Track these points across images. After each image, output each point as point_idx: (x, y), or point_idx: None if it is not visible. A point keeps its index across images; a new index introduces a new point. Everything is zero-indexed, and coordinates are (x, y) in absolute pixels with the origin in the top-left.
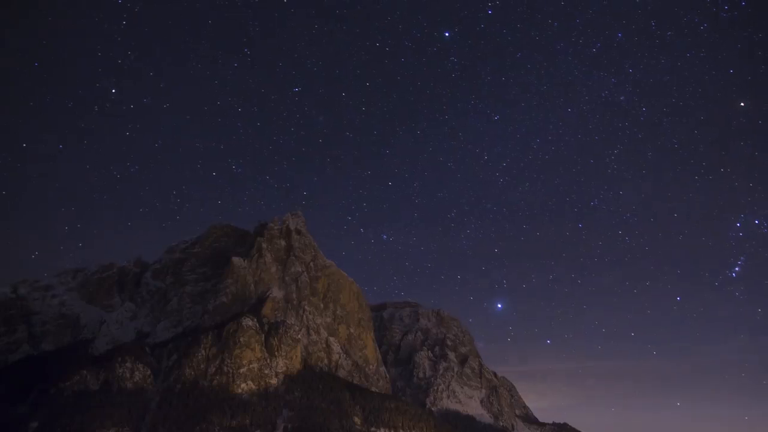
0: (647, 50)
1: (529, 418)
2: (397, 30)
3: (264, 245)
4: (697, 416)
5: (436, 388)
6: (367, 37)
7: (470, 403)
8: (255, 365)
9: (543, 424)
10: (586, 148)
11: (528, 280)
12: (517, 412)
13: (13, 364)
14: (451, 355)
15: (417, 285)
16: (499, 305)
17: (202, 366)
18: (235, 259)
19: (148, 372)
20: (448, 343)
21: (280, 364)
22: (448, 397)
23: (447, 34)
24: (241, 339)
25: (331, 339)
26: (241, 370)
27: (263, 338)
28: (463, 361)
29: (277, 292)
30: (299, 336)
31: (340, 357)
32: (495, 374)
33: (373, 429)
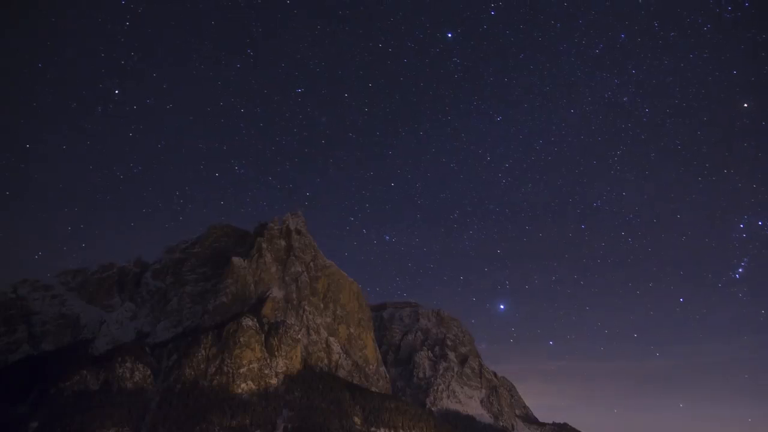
0: (650, 51)
1: (529, 418)
2: (400, 31)
3: (264, 245)
4: (700, 417)
5: (436, 388)
6: (369, 38)
7: (470, 403)
8: (255, 365)
9: (543, 424)
10: (588, 149)
11: (530, 281)
12: (517, 412)
13: (13, 364)
14: (451, 355)
15: (419, 286)
16: (502, 306)
17: (202, 366)
18: (235, 259)
19: (148, 372)
20: (448, 343)
21: (280, 364)
22: (448, 397)
23: (450, 35)
24: (241, 339)
25: (331, 339)
26: (241, 370)
27: (263, 338)
28: (463, 361)
29: (277, 292)
30: (299, 336)
31: (340, 357)
32: (495, 374)
33: (373, 429)
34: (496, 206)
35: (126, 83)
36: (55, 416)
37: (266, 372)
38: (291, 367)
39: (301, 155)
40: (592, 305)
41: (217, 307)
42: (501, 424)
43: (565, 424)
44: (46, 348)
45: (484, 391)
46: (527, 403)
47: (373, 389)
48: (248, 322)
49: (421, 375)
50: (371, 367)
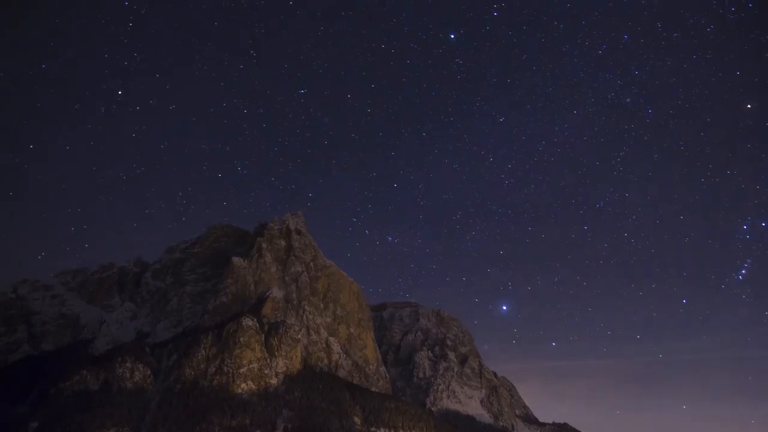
0: (653, 52)
1: (529, 418)
2: (403, 32)
3: (264, 245)
4: (702, 418)
5: (436, 388)
6: (372, 38)
7: (470, 403)
8: (255, 365)
9: (543, 424)
10: (591, 150)
11: (533, 282)
12: (517, 412)
13: (13, 364)
14: (451, 355)
15: (422, 286)
16: (504, 307)
17: (202, 366)
18: (235, 259)
19: (148, 372)
20: (448, 343)
21: (280, 364)
22: (448, 397)
23: (452, 36)
24: (241, 339)
25: (331, 339)
26: (241, 370)
27: (263, 338)
28: (463, 361)
29: (277, 292)
30: (299, 336)
31: (340, 357)
32: (495, 374)
33: (373, 429)
34: (499, 207)
35: (129, 84)
36: (55, 416)
37: (266, 372)
38: (291, 367)
39: (303, 156)
40: (594, 306)
41: (217, 307)
42: (501, 424)
43: (565, 424)
44: (46, 348)
45: (484, 391)
46: (529, 404)
47: (373, 389)
48: (248, 322)
49: (421, 375)
50: (371, 367)
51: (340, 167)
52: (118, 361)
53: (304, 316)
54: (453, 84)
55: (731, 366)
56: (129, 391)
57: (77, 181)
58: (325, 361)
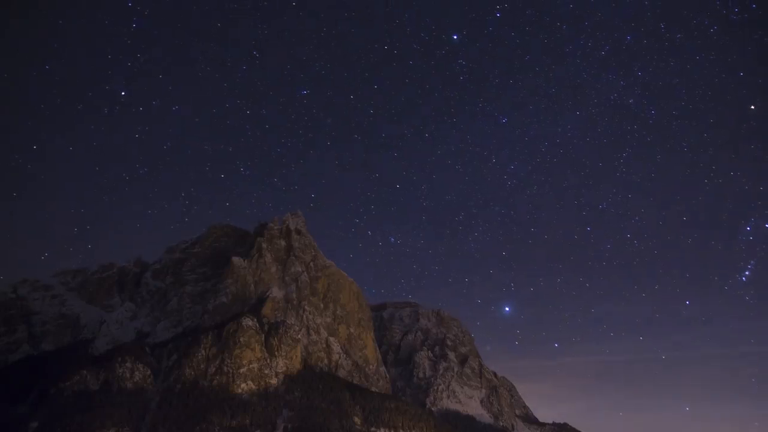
0: (656, 53)
1: (529, 418)
2: (405, 33)
3: (264, 245)
4: (704, 418)
5: (436, 388)
6: (375, 39)
7: (470, 403)
8: (255, 365)
9: (543, 424)
10: (594, 151)
11: (536, 283)
12: (517, 412)
13: (13, 364)
14: (451, 355)
15: (424, 288)
16: (507, 308)
17: (202, 366)
18: (235, 259)
19: (148, 372)
20: (448, 343)
21: (280, 364)
22: (448, 397)
23: (455, 37)
24: (241, 339)
25: (331, 339)
26: (241, 370)
27: (263, 338)
28: (463, 361)
29: (277, 292)
30: (299, 336)
31: (340, 357)
32: (495, 374)
33: (373, 429)
34: (502, 208)
35: (132, 85)
36: (55, 416)
37: (266, 372)
38: (291, 367)
39: (306, 157)
40: (597, 307)
41: (217, 307)
42: (501, 424)
43: (565, 424)
44: (46, 348)
45: (484, 391)
46: (531, 404)
47: (373, 389)
48: (248, 322)
49: (421, 375)
50: (371, 367)
51: (343, 168)
52: (118, 361)
53: (304, 316)
54: (456, 85)
55: (734, 368)
56: (129, 391)
57: (80, 182)
58: (325, 361)
